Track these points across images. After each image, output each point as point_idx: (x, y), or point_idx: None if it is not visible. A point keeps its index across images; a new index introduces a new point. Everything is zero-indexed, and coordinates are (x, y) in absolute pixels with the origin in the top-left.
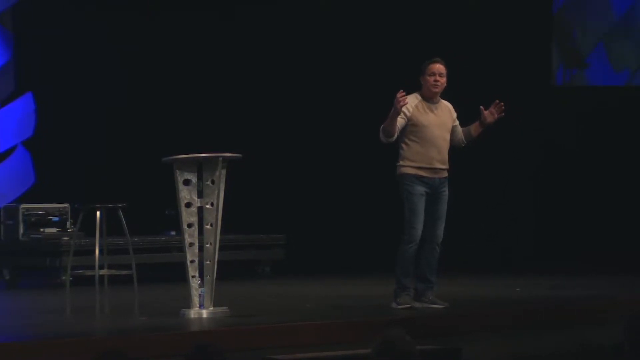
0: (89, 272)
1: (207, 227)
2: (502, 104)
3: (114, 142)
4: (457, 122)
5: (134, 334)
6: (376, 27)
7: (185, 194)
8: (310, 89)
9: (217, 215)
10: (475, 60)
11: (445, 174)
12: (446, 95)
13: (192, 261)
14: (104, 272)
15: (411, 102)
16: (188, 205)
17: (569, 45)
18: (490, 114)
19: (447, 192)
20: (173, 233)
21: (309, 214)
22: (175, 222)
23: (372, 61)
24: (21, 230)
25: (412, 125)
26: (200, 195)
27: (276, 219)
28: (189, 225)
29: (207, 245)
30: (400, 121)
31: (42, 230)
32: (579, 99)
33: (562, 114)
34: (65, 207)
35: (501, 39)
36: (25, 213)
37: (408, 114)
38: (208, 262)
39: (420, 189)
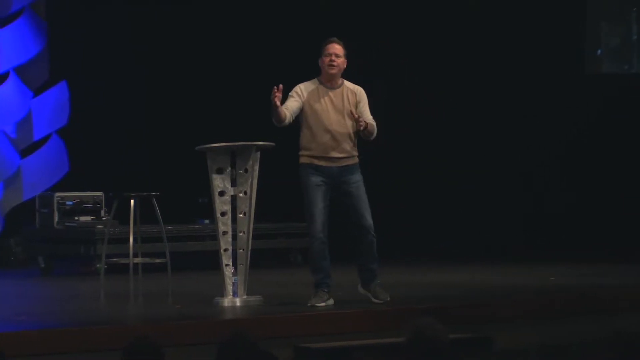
0: (123, 260)
1: (241, 215)
2: (362, 124)
3: (148, 130)
4: (364, 109)
5: (167, 322)
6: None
7: (219, 182)
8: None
9: (250, 203)
10: (507, 45)
11: (349, 162)
12: (484, 81)
13: (225, 250)
14: (137, 260)
15: (307, 87)
16: (221, 193)
17: (601, 31)
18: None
19: (357, 179)
20: (206, 221)
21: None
22: (208, 211)
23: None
24: (56, 219)
25: (306, 112)
26: (233, 183)
27: None
28: (222, 214)
29: (240, 234)
30: (294, 104)
31: (76, 218)
32: (610, 86)
33: (593, 101)
34: (99, 196)
35: (534, 23)
36: (60, 201)
37: (303, 97)
38: (241, 250)
39: (316, 179)
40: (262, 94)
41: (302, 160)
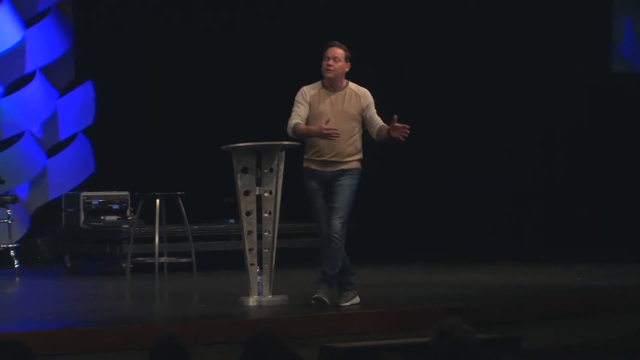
0: (148, 260)
1: (266, 215)
2: (408, 130)
3: (174, 130)
4: (372, 112)
5: (192, 322)
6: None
7: (244, 182)
8: (361, 80)
9: (275, 203)
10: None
11: (345, 166)
12: (505, 80)
13: (250, 249)
14: (163, 259)
15: (309, 91)
16: (247, 193)
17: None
18: (396, 129)
19: (346, 182)
20: (232, 221)
21: (363, 202)
22: (233, 210)
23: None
24: (82, 218)
25: (307, 116)
26: (258, 183)
27: None
28: (248, 213)
29: (266, 233)
30: (305, 110)
31: (102, 218)
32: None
33: (620, 100)
34: (125, 195)
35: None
36: (86, 201)
37: (308, 99)
38: (267, 250)
39: (314, 184)
40: (279, 94)
41: (304, 164)
